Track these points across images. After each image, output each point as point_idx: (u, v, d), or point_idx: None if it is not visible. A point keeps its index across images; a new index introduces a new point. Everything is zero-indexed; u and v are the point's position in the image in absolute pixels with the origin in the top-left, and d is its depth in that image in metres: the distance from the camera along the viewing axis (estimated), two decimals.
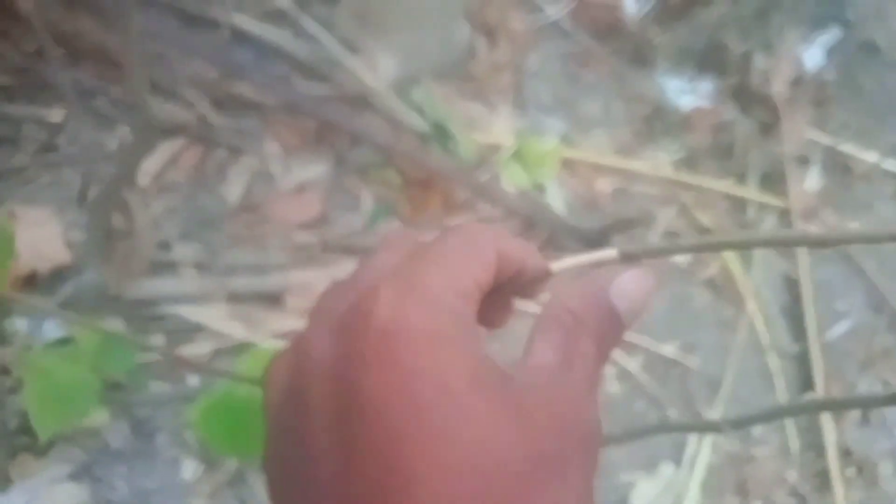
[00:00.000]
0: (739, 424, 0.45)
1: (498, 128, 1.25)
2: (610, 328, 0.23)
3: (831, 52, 1.43)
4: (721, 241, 0.29)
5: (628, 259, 0.26)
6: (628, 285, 0.24)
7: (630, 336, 1.09)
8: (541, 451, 0.19)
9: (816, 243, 0.27)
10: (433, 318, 0.20)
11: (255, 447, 0.62)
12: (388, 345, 0.19)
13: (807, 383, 1.12)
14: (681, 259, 1.19)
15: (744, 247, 0.30)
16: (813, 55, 1.43)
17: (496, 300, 0.25)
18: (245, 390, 0.58)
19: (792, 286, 1.21)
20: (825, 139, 1.36)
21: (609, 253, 0.26)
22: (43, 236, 0.91)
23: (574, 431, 0.21)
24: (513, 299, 0.27)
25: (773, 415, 0.55)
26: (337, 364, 0.20)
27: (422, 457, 0.18)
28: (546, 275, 0.25)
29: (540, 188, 1.18)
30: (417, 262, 0.21)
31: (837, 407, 0.75)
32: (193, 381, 0.93)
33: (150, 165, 1.04)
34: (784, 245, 1.16)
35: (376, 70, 1.19)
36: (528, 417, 0.20)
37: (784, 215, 1.27)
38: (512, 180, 1.16)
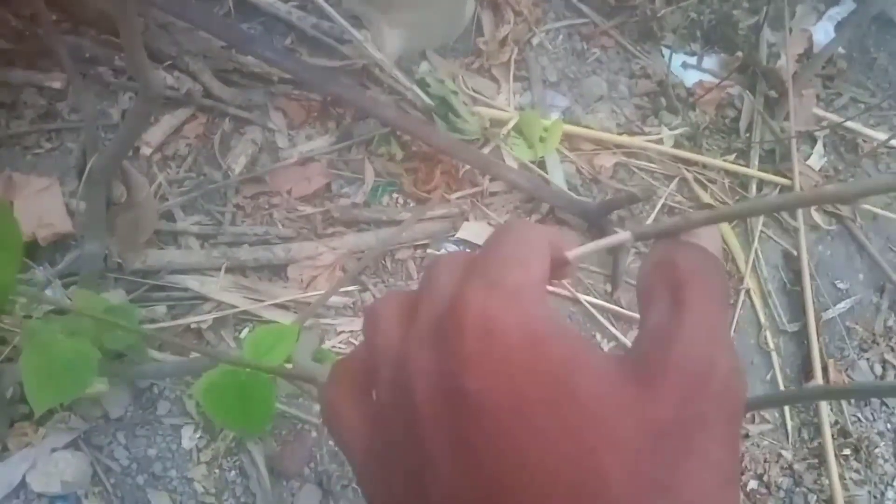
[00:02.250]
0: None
1: (502, 103, 1.17)
2: (708, 263, 0.21)
3: (843, 25, 1.32)
4: (732, 211, 0.24)
5: (642, 238, 0.24)
6: (705, 235, 0.22)
7: (627, 310, 1.03)
8: (662, 423, 0.17)
9: (834, 199, 0.23)
10: (520, 312, 0.19)
11: (259, 420, 0.58)
12: (485, 344, 0.18)
13: (805, 362, 1.06)
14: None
15: (752, 213, 0.26)
16: (824, 29, 1.33)
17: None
18: (247, 367, 0.54)
19: (793, 263, 1.14)
20: (833, 115, 1.27)
21: (624, 235, 0.24)
22: (43, 205, 0.87)
23: (703, 391, 0.18)
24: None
25: (767, 403, 0.49)
26: (441, 371, 0.19)
27: (533, 448, 0.17)
28: (564, 262, 0.24)
29: (542, 163, 1.11)
30: (489, 265, 0.21)
31: (831, 396, 0.68)
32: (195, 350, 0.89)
33: (153, 136, 0.99)
34: (795, 207, 1.08)
35: (382, 44, 1.12)
36: (643, 387, 0.18)
37: (787, 192, 1.19)
38: (514, 155, 1.10)
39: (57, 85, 0.97)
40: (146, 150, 0.99)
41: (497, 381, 0.18)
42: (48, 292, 0.84)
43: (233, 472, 0.83)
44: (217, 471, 0.83)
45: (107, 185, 0.76)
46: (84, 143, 0.88)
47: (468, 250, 1.03)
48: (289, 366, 0.57)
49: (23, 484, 0.75)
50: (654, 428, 0.17)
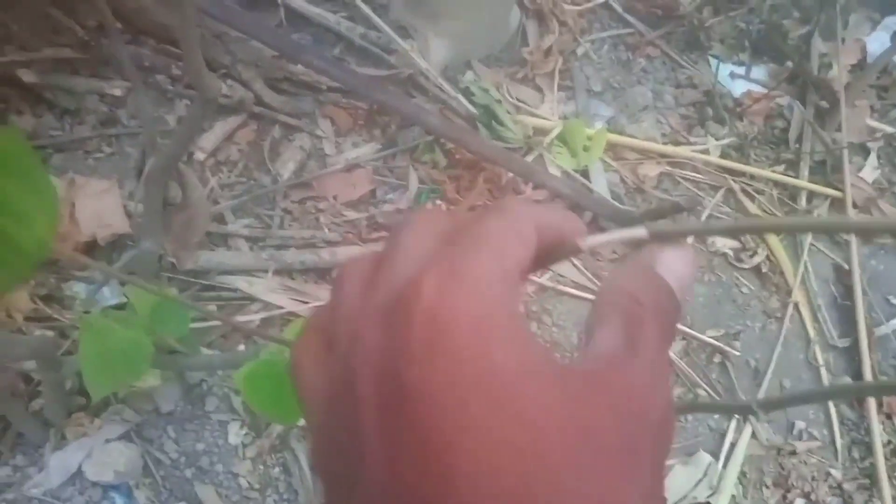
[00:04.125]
0: (771, 406, 0.39)
1: (546, 112, 1.18)
2: (669, 307, 0.21)
3: None
4: (756, 224, 0.24)
5: (658, 238, 0.24)
6: (674, 262, 0.22)
7: None
8: (600, 441, 0.17)
9: (858, 230, 0.22)
10: (477, 306, 0.18)
11: (295, 409, 0.60)
12: (432, 335, 0.18)
13: (856, 378, 1.03)
14: (726, 246, 1.10)
15: (779, 230, 0.26)
16: (879, 39, 1.30)
17: (536, 263, 0.23)
18: (287, 356, 0.56)
19: (843, 277, 1.11)
20: (887, 127, 1.24)
21: (639, 231, 0.23)
22: (103, 206, 0.90)
23: (642, 421, 0.18)
24: (553, 262, 0.25)
25: (808, 397, 0.48)
26: (384, 357, 0.18)
27: (463, 448, 0.17)
28: (577, 251, 0.23)
29: (585, 172, 1.11)
30: (458, 246, 0.20)
31: (882, 392, 0.66)
32: (243, 349, 0.92)
33: (207, 142, 1.03)
34: (823, 231, 1.06)
35: (427, 54, 1.14)
36: (586, 405, 0.18)
37: (838, 205, 1.16)
38: (557, 163, 1.10)
39: (118, 92, 1.02)
40: (200, 156, 1.02)
41: (438, 376, 0.17)
42: (106, 290, 0.88)
43: (276, 469, 0.85)
44: (261, 467, 0.85)
45: (164, 185, 0.79)
46: (143, 145, 0.92)
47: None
48: None
49: (79, 472, 0.78)
50: (591, 446, 0.17)
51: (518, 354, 0.18)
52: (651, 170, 1.15)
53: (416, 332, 0.18)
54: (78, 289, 0.86)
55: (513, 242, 0.20)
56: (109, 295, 0.86)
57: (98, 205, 0.91)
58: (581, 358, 0.20)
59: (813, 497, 0.94)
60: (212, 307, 0.93)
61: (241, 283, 0.94)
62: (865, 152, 1.24)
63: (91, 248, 0.90)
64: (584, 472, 0.17)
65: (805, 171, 1.18)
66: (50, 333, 0.82)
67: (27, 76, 0.97)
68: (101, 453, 0.78)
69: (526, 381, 0.17)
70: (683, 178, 1.15)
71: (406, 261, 0.20)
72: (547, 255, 0.23)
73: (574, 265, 1.04)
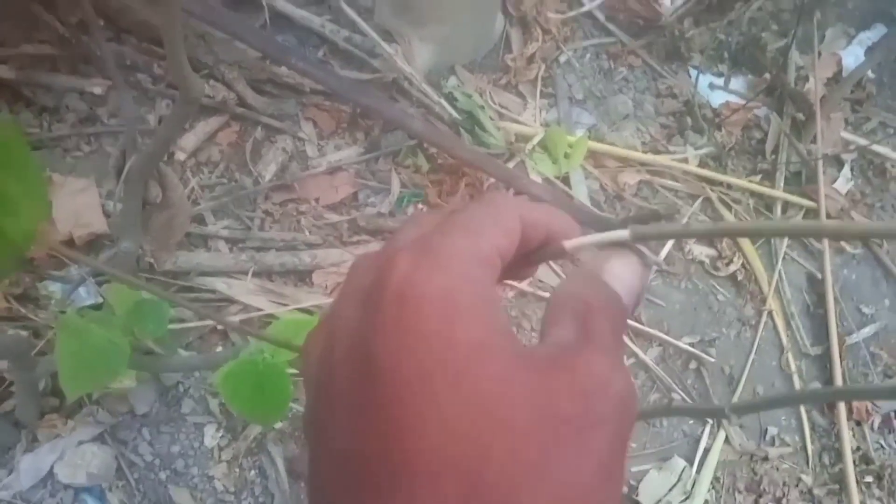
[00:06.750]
0: (744, 410, 0.40)
1: (528, 118, 1.18)
2: (616, 311, 0.22)
3: (873, 50, 1.32)
4: (733, 227, 0.25)
5: (640, 240, 0.24)
6: (620, 271, 0.23)
7: (647, 327, 1.02)
8: (558, 416, 0.18)
9: (833, 235, 0.23)
10: (446, 283, 0.19)
11: (274, 410, 0.59)
12: (401, 310, 0.18)
13: (827, 386, 1.04)
14: (703, 254, 1.11)
15: (756, 234, 0.26)
16: (853, 53, 1.33)
17: (524, 262, 0.24)
18: (267, 357, 0.55)
19: (817, 286, 1.13)
20: (861, 139, 1.26)
21: (621, 233, 0.24)
22: (81, 205, 0.89)
23: (601, 395, 0.19)
24: (539, 262, 0.25)
25: (781, 402, 0.49)
26: (357, 331, 0.19)
27: (423, 421, 0.17)
28: (561, 253, 0.24)
29: (566, 178, 1.11)
30: (440, 230, 0.21)
31: (851, 396, 0.67)
32: (221, 351, 0.91)
33: (188, 142, 1.02)
34: (799, 235, 1.07)
35: (412, 58, 1.14)
36: (544, 382, 0.18)
37: (812, 215, 1.18)
38: (539, 170, 1.11)
39: (98, 90, 1.01)
40: (180, 156, 1.01)
41: (404, 350, 0.18)
42: (82, 290, 0.86)
43: (252, 472, 0.84)
44: (237, 470, 0.84)
45: (144, 184, 0.78)
46: (124, 143, 0.91)
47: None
48: None
49: (50, 474, 0.76)
50: (550, 418, 0.18)
51: (480, 331, 0.18)
52: (631, 178, 1.16)
53: (385, 307, 0.18)
54: (53, 288, 0.85)
55: (491, 227, 0.21)
56: (85, 295, 0.85)
57: (76, 204, 0.89)
58: (538, 347, 0.20)
59: (784, 502, 0.95)
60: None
61: (219, 284, 0.93)
62: (839, 164, 1.26)
63: (68, 247, 0.88)
64: (540, 447, 0.17)
65: (781, 182, 1.20)
66: (24, 333, 0.81)
67: (5, 72, 0.96)
68: (73, 455, 0.77)
69: (486, 358, 0.18)
70: (662, 186, 1.16)
71: (391, 247, 0.21)
72: (535, 254, 0.24)
73: (553, 270, 1.04)
